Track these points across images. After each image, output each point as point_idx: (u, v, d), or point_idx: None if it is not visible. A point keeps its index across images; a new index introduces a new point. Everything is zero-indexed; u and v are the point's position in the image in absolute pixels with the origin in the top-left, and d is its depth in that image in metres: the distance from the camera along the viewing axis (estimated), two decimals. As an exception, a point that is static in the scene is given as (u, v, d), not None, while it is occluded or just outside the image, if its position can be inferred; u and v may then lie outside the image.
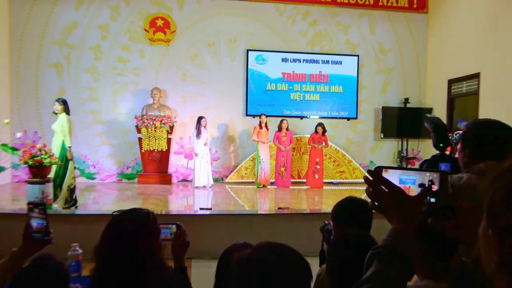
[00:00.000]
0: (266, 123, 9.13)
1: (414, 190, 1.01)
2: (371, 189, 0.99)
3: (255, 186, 8.97)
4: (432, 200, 0.97)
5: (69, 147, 6.32)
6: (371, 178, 0.99)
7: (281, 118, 9.42)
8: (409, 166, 9.98)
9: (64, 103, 6.52)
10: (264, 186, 8.96)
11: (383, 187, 0.98)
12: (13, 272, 1.66)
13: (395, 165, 10.24)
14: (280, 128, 9.17)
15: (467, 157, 1.73)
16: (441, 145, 2.87)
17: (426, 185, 0.99)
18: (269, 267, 1.11)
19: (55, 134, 6.41)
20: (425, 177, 1.00)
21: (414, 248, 0.92)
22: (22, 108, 9.30)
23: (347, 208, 2.01)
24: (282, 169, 9.09)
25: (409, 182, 1.01)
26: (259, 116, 9.29)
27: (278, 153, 9.16)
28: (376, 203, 0.99)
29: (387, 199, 0.97)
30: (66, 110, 6.49)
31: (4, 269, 1.65)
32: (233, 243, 1.73)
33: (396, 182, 1.00)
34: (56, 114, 6.47)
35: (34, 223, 1.75)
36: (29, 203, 1.79)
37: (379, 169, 1.01)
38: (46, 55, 9.41)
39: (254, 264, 1.13)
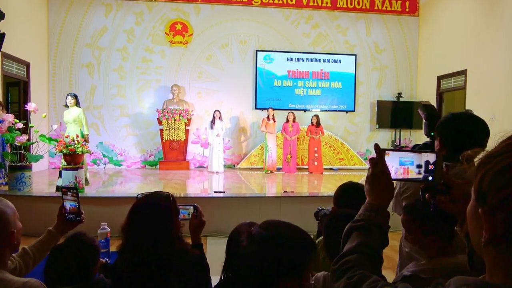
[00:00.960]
0: (273, 116, 9.11)
1: (412, 171, 1.00)
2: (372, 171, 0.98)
3: (264, 172, 8.96)
4: (430, 178, 0.97)
5: (87, 134, 6.43)
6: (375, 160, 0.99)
7: (288, 111, 9.39)
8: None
9: (76, 97, 6.55)
10: (271, 172, 8.94)
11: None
12: (49, 248, 1.67)
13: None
14: (287, 120, 9.15)
15: (439, 145, 1.75)
16: (432, 134, 2.75)
17: (423, 165, 0.99)
18: (274, 241, 1.10)
19: (68, 125, 6.45)
20: (422, 158, 0.99)
21: (388, 220, 0.92)
22: (58, 102, 9.34)
23: (348, 191, 1.98)
24: (289, 156, 9.08)
25: (407, 163, 1.00)
26: (267, 109, 9.27)
27: (285, 142, 9.13)
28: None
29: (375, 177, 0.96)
30: (78, 103, 6.54)
31: (41, 245, 1.66)
32: (240, 223, 1.72)
33: (396, 163, 0.99)
34: (68, 106, 6.47)
35: (68, 205, 1.75)
36: (63, 187, 1.80)
37: (382, 151, 0.99)
38: (79, 56, 9.44)
39: (262, 238, 1.12)
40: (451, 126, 1.72)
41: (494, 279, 0.61)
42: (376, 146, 0.98)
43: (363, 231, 0.89)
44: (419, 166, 0.99)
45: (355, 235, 0.89)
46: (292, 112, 9.28)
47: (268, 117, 9.08)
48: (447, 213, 1.01)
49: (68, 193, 1.76)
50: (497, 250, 0.60)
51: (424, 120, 2.84)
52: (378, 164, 0.96)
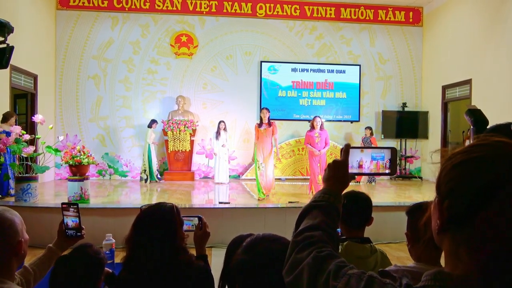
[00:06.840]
0: (268, 119, 6.83)
1: (382, 165, 1.11)
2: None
3: (257, 197, 6.54)
4: (387, 171, 1.07)
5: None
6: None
7: (315, 117, 7.22)
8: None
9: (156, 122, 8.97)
10: (265, 196, 6.55)
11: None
12: (50, 266, 1.66)
13: (395, 162, 10.09)
14: (312, 127, 6.94)
15: None
16: None
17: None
18: (257, 267, 1.05)
19: (148, 144, 8.76)
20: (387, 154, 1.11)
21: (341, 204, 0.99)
22: (64, 114, 9.45)
23: (348, 200, 1.96)
24: (319, 177, 6.45)
25: (379, 158, 1.10)
26: (260, 111, 7.28)
27: (311, 158, 6.91)
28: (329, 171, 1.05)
29: (336, 167, 1.03)
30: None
31: (42, 263, 1.65)
32: (239, 234, 1.70)
33: (369, 159, 1.09)
34: (151, 127, 8.79)
35: (69, 221, 1.74)
36: (63, 204, 1.77)
37: (349, 147, 1.06)
38: (85, 68, 9.56)
39: (246, 265, 1.07)
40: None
41: (448, 267, 0.67)
42: (347, 144, 1.06)
43: (324, 210, 0.93)
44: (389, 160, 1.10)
45: (316, 212, 0.93)
46: (319, 117, 7.10)
47: (260, 123, 6.88)
48: None
49: (70, 209, 1.74)
50: (446, 237, 0.67)
51: (471, 126, 2.61)
52: (342, 156, 1.04)
